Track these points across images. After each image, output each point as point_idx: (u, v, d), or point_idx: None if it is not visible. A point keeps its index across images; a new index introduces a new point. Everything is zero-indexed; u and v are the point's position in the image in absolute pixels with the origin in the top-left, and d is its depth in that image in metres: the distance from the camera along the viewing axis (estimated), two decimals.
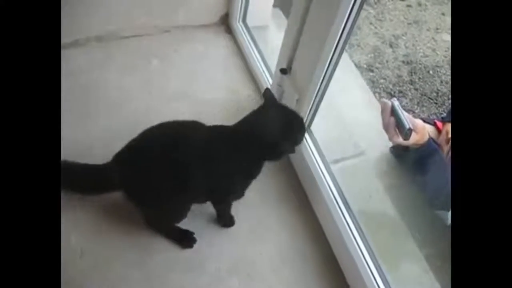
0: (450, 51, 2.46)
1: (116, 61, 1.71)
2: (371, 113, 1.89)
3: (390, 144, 1.67)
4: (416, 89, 2.23)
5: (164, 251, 1.39)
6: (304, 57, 1.35)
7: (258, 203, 1.51)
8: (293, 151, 1.18)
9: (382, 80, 2.23)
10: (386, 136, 1.69)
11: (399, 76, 2.26)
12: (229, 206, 1.41)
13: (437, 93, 2.22)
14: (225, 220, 1.44)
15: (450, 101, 2.17)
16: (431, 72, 2.29)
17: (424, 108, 2.15)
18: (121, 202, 1.44)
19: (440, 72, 2.29)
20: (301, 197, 1.53)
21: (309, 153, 1.46)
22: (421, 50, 2.44)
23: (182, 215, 1.33)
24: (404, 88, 2.23)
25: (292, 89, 1.42)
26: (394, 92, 2.21)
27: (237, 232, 1.45)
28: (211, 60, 1.85)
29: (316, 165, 1.44)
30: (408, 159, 1.30)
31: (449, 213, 1.35)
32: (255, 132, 1.16)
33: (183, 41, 1.87)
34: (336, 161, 1.53)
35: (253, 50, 1.81)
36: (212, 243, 1.42)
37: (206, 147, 1.19)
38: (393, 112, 1.23)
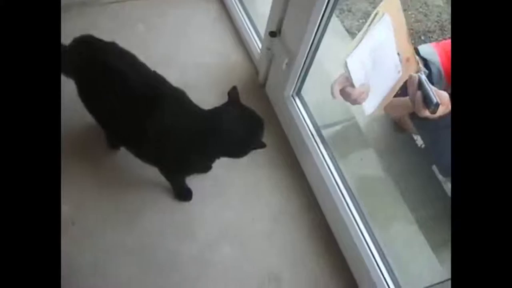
0: (442, 16, 2.43)
1: (100, 27, 1.66)
2: None
3: (383, 111, 1.66)
4: None
5: (155, 217, 1.38)
6: (294, 20, 1.32)
7: (249, 168, 1.50)
8: (263, 146, 1.17)
9: None
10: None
11: None
12: (177, 181, 1.39)
13: None
14: (176, 192, 1.42)
15: None
16: (422, 37, 2.26)
17: None
18: (109, 169, 1.43)
19: (432, 37, 2.26)
20: (292, 163, 1.53)
21: (300, 117, 1.45)
22: (413, 15, 2.40)
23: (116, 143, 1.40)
24: None
25: (282, 52, 1.39)
26: None
27: (228, 197, 1.45)
28: (198, 24, 1.81)
29: (307, 129, 1.43)
30: (427, 128, 1.28)
31: None
32: (220, 126, 1.13)
33: (169, 5, 1.81)
34: (326, 126, 1.52)
35: (241, 13, 1.77)
36: (204, 210, 1.41)
37: (176, 119, 1.17)
38: (420, 85, 1.21)
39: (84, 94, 1.26)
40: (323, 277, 1.36)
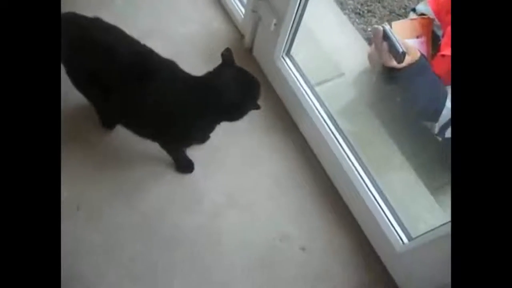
0: None
1: (77, 5, 1.59)
2: (346, 36, 1.88)
3: (368, 65, 1.68)
4: (384, 7, 2.21)
5: (160, 192, 1.38)
6: None
7: (246, 134, 1.50)
8: (249, 108, 1.18)
9: (350, 1, 2.20)
10: (363, 57, 1.70)
11: None
12: (178, 152, 1.38)
13: (405, 8, 2.21)
14: (178, 165, 1.42)
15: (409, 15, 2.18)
16: None
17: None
18: (107, 150, 1.41)
19: None
20: (289, 124, 1.54)
21: (292, 77, 1.45)
22: None
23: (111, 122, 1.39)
24: (372, 7, 2.20)
25: (269, 13, 1.37)
26: (363, 12, 2.18)
27: (230, 163, 1.46)
28: None
29: (301, 88, 1.43)
30: (399, 78, 1.30)
31: (437, 124, 1.38)
32: (215, 90, 1.13)
33: None
34: (318, 84, 1.53)
35: None
36: (207, 177, 1.42)
37: (171, 88, 1.16)
38: (385, 37, 1.23)
39: (74, 73, 1.23)
40: (331, 230, 1.39)
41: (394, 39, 1.23)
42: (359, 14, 2.18)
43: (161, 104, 1.15)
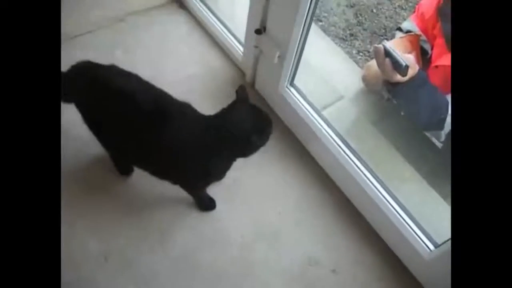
0: None
1: (77, 60, 1.63)
2: (336, 60, 1.97)
3: (362, 85, 1.76)
4: (365, 29, 2.32)
5: (187, 232, 1.39)
6: (280, 13, 1.37)
7: (262, 167, 1.54)
8: (263, 143, 1.21)
9: (332, 28, 2.30)
10: (356, 78, 1.78)
11: (347, 20, 2.33)
12: (198, 191, 1.40)
13: (385, 29, 2.32)
14: (200, 204, 1.43)
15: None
16: (374, 10, 2.38)
17: None
18: (128, 196, 1.42)
19: (383, 8, 2.39)
20: (299, 150, 1.58)
21: (299, 105, 1.50)
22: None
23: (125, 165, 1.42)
24: (354, 30, 2.31)
25: (271, 47, 1.43)
26: (346, 36, 2.28)
27: (250, 196, 1.48)
28: (173, 40, 1.82)
29: (309, 114, 1.48)
30: (403, 92, 1.37)
31: (443, 132, 1.45)
32: (229, 127, 1.16)
33: (140, 27, 1.81)
34: (322, 108, 1.58)
35: (212, 19, 1.79)
36: (230, 212, 1.44)
37: (188, 130, 1.19)
38: (387, 53, 1.30)
39: (91, 119, 1.25)
40: (357, 249, 1.42)
41: (395, 54, 1.30)
42: (343, 39, 2.28)
43: (178, 145, 1.18)
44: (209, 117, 1.23)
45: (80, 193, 1.41)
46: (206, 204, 1.43)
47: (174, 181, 1.31)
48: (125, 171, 1.44)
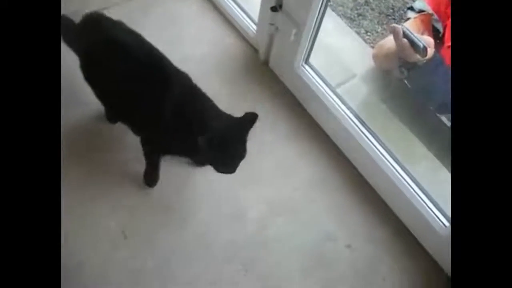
0: None
1: None
2: (346, 38, 1.96)
3: (373, 64, 1.76)
4: (372, 9, 2.31)
5: (205, 212, 1.41)
6: None
7: (275, 145, 1.55)
8: (208, 155, 1.17)
9: (340, 8, 2.28)
10: (367, 57, 1.78)
11: (355, 0, 2.32)
12: (152, 156, 1.38)
13: (393, 8, 2.31)
14: (145, 172, 1.41)
15: (405, 14, 2.28)
16: None
17: (385, 26, 2.24)
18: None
19: None
20: (314, 128, 1.59)
21: (314, 83, 1.51)
22: None
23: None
24: (362, 10, 2.29)
25: (288, 24, 1.43)
26: (354, 16, 2.27)
27: (265, 174, 1.50)
28: (184, 18, 1.80)
29: (325, 92, 1.49)
30: (418, 73, 1.38)
31: None
32: (203, 120, 1.16)
33: (151, 5, 1.80)
34: (337, 86, 1.59)
35: None
36: (246, 190, 1.45)
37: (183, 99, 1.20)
38: (404, 34, 1.31)
39: (89, 69, 1.29)
40: (372, 225, 1.44)
41: (413, 35, 1.30)
42: (351, 18, 2.27)
43: (163, 107, 1.19)
44: (206, 101, 1.24)
45: (100, 171, 1.43)
46: (148, 176, 1.41)
47: (139, 133, 1.31)
48: (111, 120, 1.46)
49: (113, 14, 1.36)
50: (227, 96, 1.61)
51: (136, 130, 1.30)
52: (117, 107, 1.34)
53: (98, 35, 1.25)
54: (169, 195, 1.41)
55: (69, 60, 1.32)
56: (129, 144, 1.42)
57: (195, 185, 1.43)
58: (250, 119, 1.16)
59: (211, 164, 1.20)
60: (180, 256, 1.32)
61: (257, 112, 1.56)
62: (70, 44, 1.36)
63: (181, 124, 1.19)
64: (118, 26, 1.29)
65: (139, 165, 1.39)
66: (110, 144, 1.44)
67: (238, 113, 1.58)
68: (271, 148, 1.54)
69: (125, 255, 1.31)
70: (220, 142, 1.12)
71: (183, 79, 1.25)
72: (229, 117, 1.20)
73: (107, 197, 1.39)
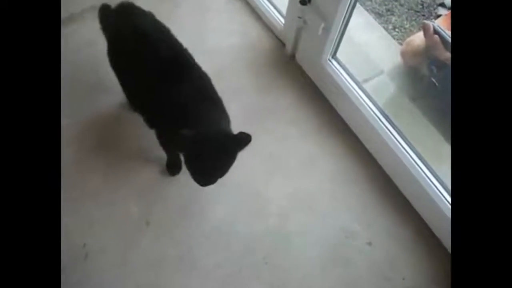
0: None
1: None
2: (374, 34, 1.94)
3: (401, 61, 1.74)
4: (401, 5, 2.27)
5: (225, 203, 1.42)
6: None
7: (299, 140, 1.55)
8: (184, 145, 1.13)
9: (368, 2, 2.25)
10: (394, 54, 1.75)
11: None
12: (167, 152, 1.39)
13: (422, 5, 2.27)
14: (167, 161, 1.43)
15: (435, 11, 2.24)
16: None
17: (414, 22, 2.20)
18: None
19: None
20: (338, 123, 1.58)
21: (341, 78, 1.49)
22: None
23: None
24: (390, 6, 2.26)
25: (316, 18, 1.42)
26: (382, 12, 2.24)
27: (288, 168, 1.49)
28: (212, 9, 1.81)
29: (351, 88, 1.48)
30: (447, 73, 1.36)
31: None
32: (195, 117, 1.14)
33: None
34: (364, 82, 1.57)
35: None
36: (268, 184, 1.45)
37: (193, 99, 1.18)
38: (435, 31, 1.29)
39: (114, 56, 1.31)
40: (394, 222, 1.43)
41: (444, 32, 1.28)
42: (379, 14, 2.24)
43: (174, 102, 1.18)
44: (213, 107, 1.20)
45: (124, 159, 1.45)
46: (170, 165, 1.43)
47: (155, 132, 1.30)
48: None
49: (144, 4, 1.37)
50: (252, 88, 1.61)
51: (148, 123, 1.29)
52: (133, 97, 1.35)
53: (126, 24, 1.27)
54: (191, 185, 1.41)
55: (101, 47, 1.34)
56: (153, 132, 1.43)
57: None
58: (244, 139, 1.10)
59: (188, 167, 1.15)
60: (201, 245, 1.34)
61: (282, 106, 1.57)
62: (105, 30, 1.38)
63: (180, 124, 1.16)
64: (148, 17, 1.31)
65: (163, 153, 1.40)
66: (135, 131, 1.46)
67: (260, 106, 1.60)
68: (294, 142, 1.53)
69: (147, 242, 1.33)
70: (200, 146, 1.08)
71: (199, 80, 1.23)
72: (225, 129, 1.16)
73: (131, 185, 1.41)
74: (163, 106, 1.20)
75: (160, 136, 1.30)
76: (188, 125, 1.11)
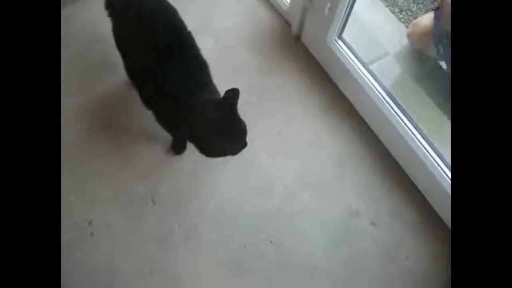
0: None
1: None
2: (380, 16, 1.92)
3: (406, 43, 1.73)
4: None
5: (231, 181, 1.42)
6: None
7: (306, 121, 1.54)
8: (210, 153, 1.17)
9: None
10: (401, 36, 1.74)
11: None
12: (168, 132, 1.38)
13: None
14: (171, 141, 1.44)
15: None
16: None
17: (421, 5, 2.19)
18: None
19: None
20: (344, 104, 1.58)
21: (347, 59, 1.49)
22: None
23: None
24: None
25: None
26: None
27: (294, 148, 1.50)
28: None
29: (357, 68, 1.47)
30: None
31: None
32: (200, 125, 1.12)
33: None
34: (369, 63, 1.56)
35: None
36: (274, 163, 1.46)
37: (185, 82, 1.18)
38: None
39: (117, 34, 1.30)
40: (397, 203, 1.44)
41: None
42: None
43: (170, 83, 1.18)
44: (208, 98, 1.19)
45: (130, 137, 1.46)
46: (174, 144, 1.44)
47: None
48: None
49: None
50: (257, 69, 1.61)
51: (145, 104, 1.29)
52: (133, 78, 1.34)
53: (131, 3, 1.26)
54: (196, 163, 1.42)
55: (108, 27, 1.33)
56: None
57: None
58: (233, 93, 1.11)
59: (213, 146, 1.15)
60: (206, 223, 1.35)
61: (288, 87, 1.57)
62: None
63: (172, 110, 1.19)
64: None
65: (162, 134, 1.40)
66: (141, 111, 1.46)
67: (266, 86, 1.59)
68: (299, 123, 1.53)
69: (153, 220, 1.34)
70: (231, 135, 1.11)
71: (195, 66, 1.22)
72: (216, 99, 1.17)
73: (137, 163, 1.41)
74: (157, 89, 1.20)
75: (157, 118, 1.30)
76: (179, 111, 1.13)
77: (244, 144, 1.15)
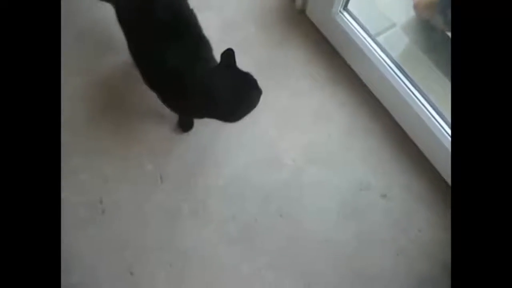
0: None
1: None
2: None
3: (413, 14, 1.70)
4: None
5: (240, 155, 1.42)
6: None
7: (312, 93, 1.53)
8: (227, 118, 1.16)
9: None
10: (407, 6, 1.71)
11: None
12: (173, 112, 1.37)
13: None
14: (178, 118, 1.43)
15: None
16: None
17: None
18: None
19: None
20: (351, 76, 1.56)
21: (353, 30, 1.47)
22: None
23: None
24: None
25: None
26: None
27: (302, 121, 1.49)
28: None
29: (364, 40, 1.45)
30: None
31: None
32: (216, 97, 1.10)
33: None
34: (376, 35, 1.54)
35: None
36: (282, 137, 1.45)
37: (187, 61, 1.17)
38: None
39: (119, 12, 1.28)
40: (408, 175, 1.42)
41: None
42: None
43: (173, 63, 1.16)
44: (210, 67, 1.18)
45: (137, 116, 1.46)
46: (181, 121, 1.44)
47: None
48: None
49: None
50: (262, 43, 1.59)
51: (147, 84, 1.28)
52: (135, 57, 1.31)
53: None
54: (204, 139, 1.42)
55: (108, 7, 1.32)
56: None
57: (230, 129, 1.42)
58: (228, 55, 1.11)
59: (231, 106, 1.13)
60: (215, 198, 1.35)
61: (293, 61, 1.55)
62: None
63: (174, 90, 1.18)
64: None
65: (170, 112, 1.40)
66: (147, 89, 1.46)
67: (271, 60, 1.57)
68: (307, 96, 1.52)
69: (161, 198, 1.34)
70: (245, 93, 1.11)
71: (195, 45, 1.21)
72: (214, 66, 1.16)
73: (145, 141, 1.41)
74: (158, 69, 1.19)
75: (162, 101, 1.29)
76: (181, 92, 1.13)
77: (259, 92, 1.14)
